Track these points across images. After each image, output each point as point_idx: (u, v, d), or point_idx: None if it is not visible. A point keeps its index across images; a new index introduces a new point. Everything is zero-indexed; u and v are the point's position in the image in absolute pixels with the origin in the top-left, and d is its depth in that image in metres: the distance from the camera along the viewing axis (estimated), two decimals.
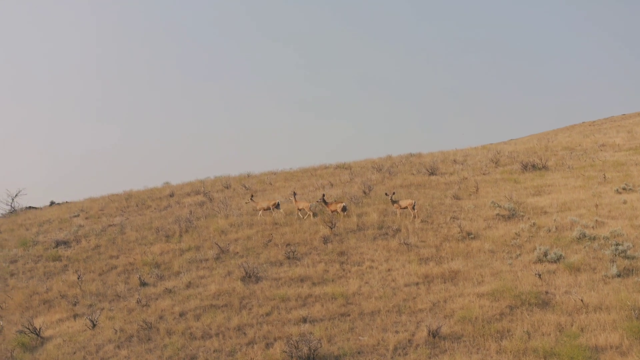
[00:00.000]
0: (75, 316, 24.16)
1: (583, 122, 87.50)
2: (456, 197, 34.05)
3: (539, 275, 22.74)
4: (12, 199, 50.20)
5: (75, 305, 25.31)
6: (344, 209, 32.03)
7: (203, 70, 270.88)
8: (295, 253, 27.16)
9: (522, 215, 30.14)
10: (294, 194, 33.70)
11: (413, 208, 30.79)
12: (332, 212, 32.49)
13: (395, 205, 31.40)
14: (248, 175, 48.53)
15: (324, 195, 33.39)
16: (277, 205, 33.85)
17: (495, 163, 43.14)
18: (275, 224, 31.57)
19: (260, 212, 34.17)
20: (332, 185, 39.96)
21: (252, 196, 35.70)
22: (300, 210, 33.04)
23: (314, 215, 32.57)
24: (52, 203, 52.89)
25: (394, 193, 32.08)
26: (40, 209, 50.77)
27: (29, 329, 22.36)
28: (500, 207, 31.17)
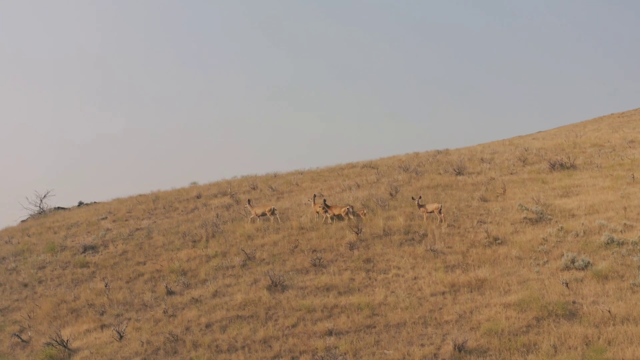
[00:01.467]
0: (102, 327, 24.27)
1: (612, 114, 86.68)
2: (483, 199, 33.89)
3: (566, 284, 22.59)
4: (41, 200, 50.58)
5: (102, 314, 25.46)
6: (353, 212, 32.37)
7: (228, 63, 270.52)
8: (321, 260, 27.16)
9: (550, 219, 29.95)
10: (315, 196, 33.88)
11: (439, 212, 30.79)
12: (336, 215, 32.54)
13: (421, 209, 31.32)
14: (275, 175, 48.52)
15: (324, 200, 33.64)
16: (272, 212, 33.99)
17: (523, 162, 42.88)
18: (302, 228, 31.56)
19: (255, 218, 34.51)
20: (358, 186, 39.91)
21: (249, 201, 35.98)
22: (317, 212, 33.26)
23: (339, 219, 32.58)
24: (80, 204, 53.18)
25: (420, 197, 32.12)
26: (69, 209, 51.08)
27: (56, 341, 22.48)
28: (527, 210, 30.97)
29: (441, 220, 30.64)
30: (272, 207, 34.23)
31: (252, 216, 34.57)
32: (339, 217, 32.53)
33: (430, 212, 31.20)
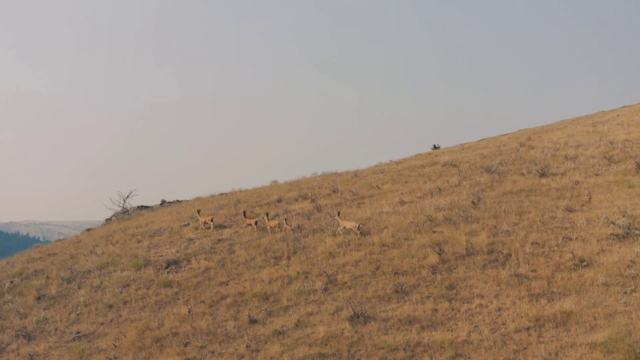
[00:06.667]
0: None
1: None
2: (568, 209, 33.04)
3: None
4: (124, 200, 51.49)
5: (186, 346, 25.73)
6: (256, 222, 37.27)
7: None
8: (403, 286, 26.94)
9: (638, 235, 29.11)
10: (338, 213, 35.71)
11: (358, 229, 32.91)
12: (248, 225, 37.81)
13: (340, 223, 34.09)
14: (355, 175, 48.17)
15: (244, 211, 40.19)
16: (256, 222, 37.88)
17: (609, 160, 41.68)
18: (383, 245, 31.24)
19: (203, 225, 40.17)
20: (439, 190, 39.37)
21: (198, 211, 41.90)
22: (346, 228, 34.31)
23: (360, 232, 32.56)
24: (162, 202, 53.94)
25: (338, 213, 34.86)
26: (152, 209, 51.84)
27: None
28: (614, 224, 30.18)
29: (355, 233, 32.93)
30: (212, 216, 40.27)
31: (244, 226, 38.89)
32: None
33: (348, 229, 33.39)
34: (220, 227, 39.48)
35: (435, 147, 72.47)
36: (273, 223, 36.74)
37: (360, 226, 33.72)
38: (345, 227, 34.18)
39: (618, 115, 64.87)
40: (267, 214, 37.72)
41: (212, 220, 39.69)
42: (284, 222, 36.61)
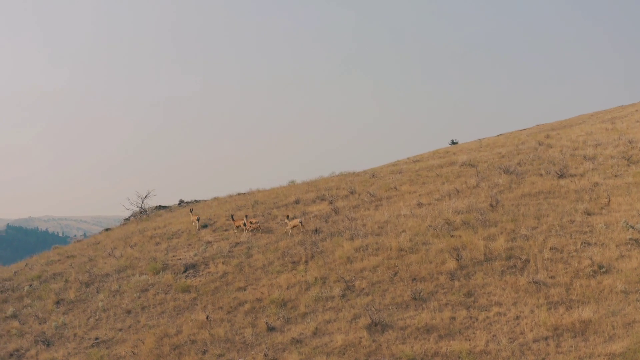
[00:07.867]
0: None
1: None
2: (587, 213, 32.77)
3: None
4: (142, 201, 51.72)
5: (204, 353, 25.78)
6: (244, 224, 38.47)
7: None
8: (421, 293, 26.87)
9: None
10: (287, 216, 38.04)
11: (300, 223, 36.40)
12: (237, 227, 39.04)
13: (235, 222, 39.17)
14: (373, 175, 47.99)
15: (232, 215, 40.94)
16: (197, 220, 41.45)
17: (627, 160, 41.36)
18: (401, 250, 31.15)
19: (194, 224, 41.55)
20: (458, 192, 39.16)
21: (191, 210, 44.65)
22: (293, 227, 36.82)
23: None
24: (180, 202, 54.13)
25: (287, 217, 37.78)
26: (170, 208, 52.07)
27: None
28: (632, 228, 29.98)
29: (301, 230, 36.25)
30: (197, 216, 42.09)
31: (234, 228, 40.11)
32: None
33: (238, 227, 38.37)
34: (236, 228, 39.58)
35: (453, 142, 72.37)
36: (253, 221, 38.80)
37: (302, 221, 36.74)
38: (292, 227, 36.71)
39: (637, 110, 64.49)
40: (247, 216, 38.96)
41: (198, 220, 41.41)
42: (249, 224, 38.58)
